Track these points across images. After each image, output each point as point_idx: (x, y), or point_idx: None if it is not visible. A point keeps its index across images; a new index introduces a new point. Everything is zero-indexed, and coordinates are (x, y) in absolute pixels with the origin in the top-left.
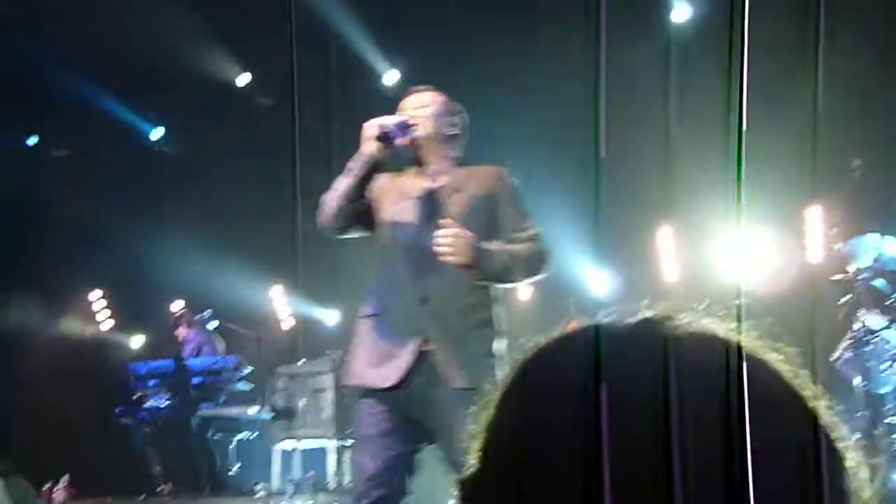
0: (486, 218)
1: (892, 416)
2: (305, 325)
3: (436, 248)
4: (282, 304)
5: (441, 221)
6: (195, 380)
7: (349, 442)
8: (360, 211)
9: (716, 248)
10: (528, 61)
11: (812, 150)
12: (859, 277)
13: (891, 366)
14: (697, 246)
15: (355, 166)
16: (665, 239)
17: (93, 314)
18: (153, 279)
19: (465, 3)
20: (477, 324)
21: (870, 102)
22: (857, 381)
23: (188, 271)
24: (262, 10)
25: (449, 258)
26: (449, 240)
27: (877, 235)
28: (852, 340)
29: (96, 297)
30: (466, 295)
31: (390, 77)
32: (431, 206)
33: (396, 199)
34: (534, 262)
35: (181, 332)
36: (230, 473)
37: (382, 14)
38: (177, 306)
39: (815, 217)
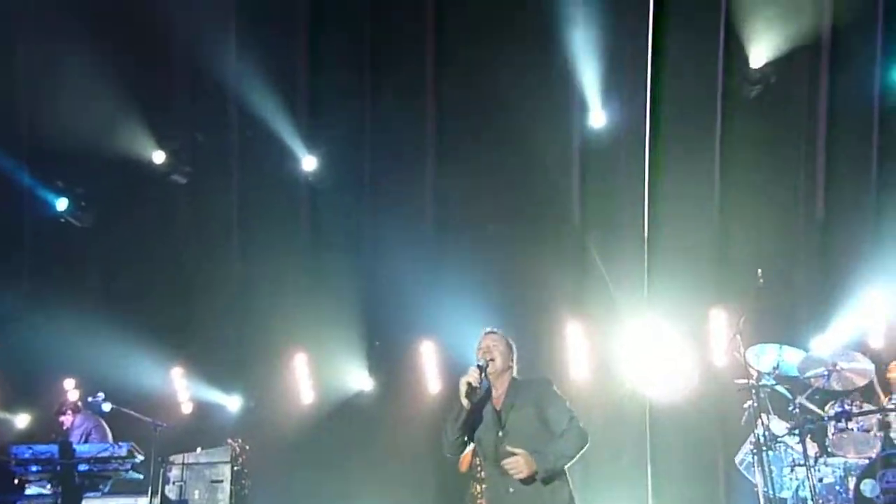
0: (538, 423)
1: None
2: (205, 412)
3: (506, 469)
4: (181, 388)
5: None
6: (81, 467)
7: None
8: (469, 438)
9: (625, 345)
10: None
11: (717, 257)
12: (761, 383)
13: (792, 471)
14: (607, 342)
15: (457, 414)
16: (576, 336)
17: None
18: (44, 357)
19: (382, 93)
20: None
21: (778, 217)
22: (759, 484)
23: (83, 349)
24: (180, 88)
25: (518, 476)
26: (512, 464)
27: (776, 344)
28: (754, 444)
29: None
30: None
31: (308, 162)
32: (499, 424)
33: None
34: (579, 443)
35: (69, 416)
36: None
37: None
38: (68, 386)
39: (719, 322)
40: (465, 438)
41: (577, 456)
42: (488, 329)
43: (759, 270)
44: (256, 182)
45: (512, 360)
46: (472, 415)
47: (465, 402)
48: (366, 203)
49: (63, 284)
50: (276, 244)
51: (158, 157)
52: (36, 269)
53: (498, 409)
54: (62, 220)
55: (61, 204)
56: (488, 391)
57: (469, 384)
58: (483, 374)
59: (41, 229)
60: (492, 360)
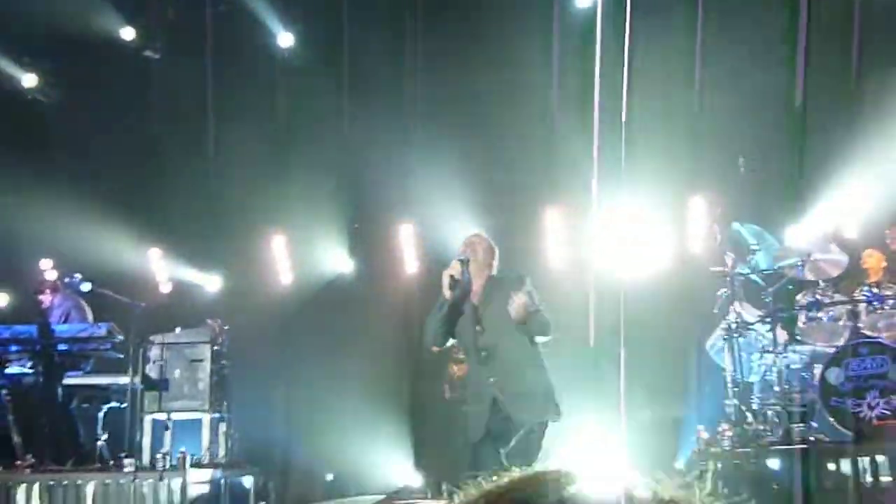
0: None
1: (759, 404)
2: (184, 292)
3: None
4: (160, 269)
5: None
6: (61, 346)
7: (223, 414)
8: (450, 332)
9: (601, 232)
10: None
11: (693, 142)
12: (736, 270)
13: (761, 357)
14: (581, 230)
15: (440, 306)
16: (554, 224)
17: None
18: (20, 236)
19: None
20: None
21: (758, 102)
22: (728, 368)
23: (58, 230)
24: None
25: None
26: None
27: (754, 230)
28: (726, 330)
29: None
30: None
31: (285, 39)
32: (476, 319)
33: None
34: (538, 330)
35: (48, 296)
36: (99, 443)
37: None
38: (45, 266)
39: (698, 209)
40: (447, 331)
41: (543, 337)
42: (471, 233)
43: (742, 159)
44: (231, 59)
45: (493, 258)
46: (454, 308)
47: (447, 294)
48: (344, 81)
49: (33, 163)
50: (253, 123)
51: (128, 33)
52: (4, 147)
53: (476, 304)
54: (30, 97)
55: (29, 80)
56: (469, 286)
57: (452, 277)
58: (465, 268)
59: (8, 107)
60: (474, 255)
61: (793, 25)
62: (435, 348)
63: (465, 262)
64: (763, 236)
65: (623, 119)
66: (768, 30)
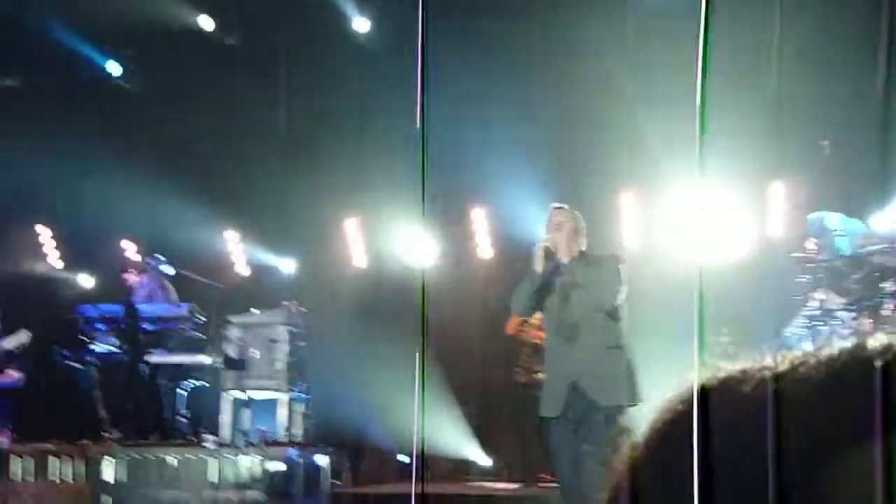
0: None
1: None
2: (261, 274)
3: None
4: (237, 251)
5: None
6: (146, 326)
7: (300, 394)
8: (539, 305)
9: (679, 217)
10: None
11: (776, 126)
12: (819, 257)
13: None
14: (660, 216)
15: (533, 280)
16: (629, 206)
17: (41, 251)
18: (104, 219)
19: None
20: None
21: (842, 84)
22: None
23: (141, 213)
24: None
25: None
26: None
27: (838, 216)
28: (808, 318)
29: (45, 234)
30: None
31: (360, 24)
32: (563, 295)
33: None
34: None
35: (133, 276)
36: (181, 420)
37: None
38: (127, 247)
39: (778, 193)
40: (537, 303)
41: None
42: (556, 204)
43: (825, 140)
44: (306, 44)
45: (581, 233)
46: (546, 281)
47: (539, 266)
48: (416, 66)
49: (116, 148)
50: (330, 107)
51: (206, 22)
52: (88, 132)
53: (564, 279)
54: (113, 83)
55: (112, 67)
56: (558, 262)
57: (546, 248)
58: (557, 242)
59: (93, 93)
60: (560, 229)
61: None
62: (521, 315)
63: (556, 236)
64: (847, 222)
65: (698, 101)
66: (852, 6)
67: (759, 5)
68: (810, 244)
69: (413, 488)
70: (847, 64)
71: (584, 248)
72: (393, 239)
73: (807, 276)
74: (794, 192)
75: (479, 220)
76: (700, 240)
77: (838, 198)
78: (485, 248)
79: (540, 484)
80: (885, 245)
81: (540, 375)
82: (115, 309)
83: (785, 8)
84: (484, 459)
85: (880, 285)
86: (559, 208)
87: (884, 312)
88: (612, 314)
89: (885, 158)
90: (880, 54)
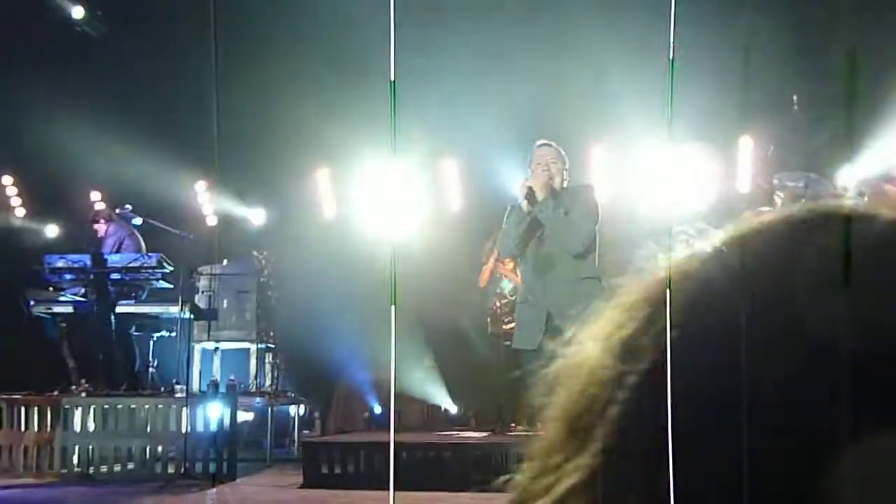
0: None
1: None
2: (231, 224)
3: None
4: (206, 201)
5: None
6: (114, 276)
7: (269, 345)
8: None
9: (646, 169)
10: None
11: (744, 81)
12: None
13: None
14: (628, 167)
15: (520, 220)
16: (598, 160)
17: (4, 200)
18: (70, 168)
19: None
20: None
21: (811, 40)
22: None
23: (107, 162)
24: None
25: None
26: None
27: (805, 173)
28: None
29: (8, 183)
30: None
31: None
32: (541, 227)
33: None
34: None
35: (101, 226)
36: (150, 370)
37: None
38: (95, 197)
39: (746, 149)
40: (526, 242)
41: (584, 238)
42: (541, 141)
43: (795, 97)
44: None
45: (563, 168)
46: (534, 219)
47: (524, 204)
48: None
49: (83, 96)
50: (301, 58)
51: None
52: (53, 79)
53: (542, 216)
54: (78, 29)
55: (77, 12)
56: (539, 200)
57: (529, 188)
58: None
59: (58, 39)
60: (545, 167)
61: None
62: (508, 256)
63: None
64: (812, 180)
65: (671, 56)
66: None
67: None
68: (777, 198)
69: (392, 438)
70: (819, 21)
71: (564, 185)
72: (363, 190)
73: None
74: (763, 147)
75: (451, 171)
76: (669, 192)
77: (807, 153)
78: (456, 200)
79: (509, 433)
80: (851, 200)
81: (510, 326)
82: (82, 259)
83: None
84: (454, 409)
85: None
86: (543, 145)
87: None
88: (588, 246)
89: (850, 115)
90: (851, 13)
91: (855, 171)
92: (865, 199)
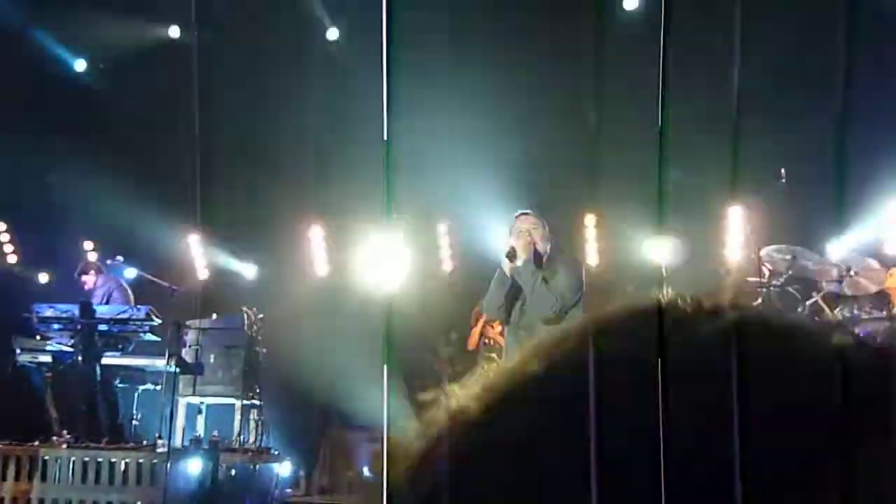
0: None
1: None
2: (221, 279)
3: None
4: (198, 255)
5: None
6: (102, 327)
7: (255, 402)
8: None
9: (637, 238)
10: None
11: (733, 153)
12: (773, 283)
13: None
14: (622, 235)
15: (503, 281)
16: (591, 227)
17: None
18: (64, 217)
19: None
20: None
21: (798, 117)
22: None
23: (100, 212)
24: None
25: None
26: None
27: (790, 246)
28: None
29: (1, 229)
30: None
31: (332, 33)
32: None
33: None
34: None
35: (91, 276)
36: (133, 423)
37: None
38: (87, 247)
39: (735, 220)
40: (511, 305)
41: (555, 305)
42: (521, 211)
43: (783, 170)
44: (278, 51)
45: (545, 241)
46: (513, 283)
47: (506, 264)
48: (381, 80)
49: (78, 146)
50: (296, 113)
51: (174, 31)
52: (51, 130)
53: (524, 284)
54: (79, 81)
55: (79, 65)
56: (521, 267)
57: (512, 248)
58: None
59: (58, 90)
60: (531, 241)
61: (835, 37)
62: (492, 318)
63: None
64: (798, 253)
65: (660, 125)
66: (811, 38)
67: (720, 33)
68: (764, 269)
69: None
70: (807, 96)
71: (548, 254)
72: (356, 249)
73: (759, 300)
74: (751, 219)
75: (444, 233)
76: (662, 259)
77: (795, 226)
78: (448, 262)
79: None
80: (837, 273)
81: None
82: (71, 309)
83: (747, 38)
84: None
85: (832, 312)
86: (523, 214)
87: None
88: (566, 318)
89: (839, 190)
90: (840, 88)
91: (843, 245)
92: (852, 272)
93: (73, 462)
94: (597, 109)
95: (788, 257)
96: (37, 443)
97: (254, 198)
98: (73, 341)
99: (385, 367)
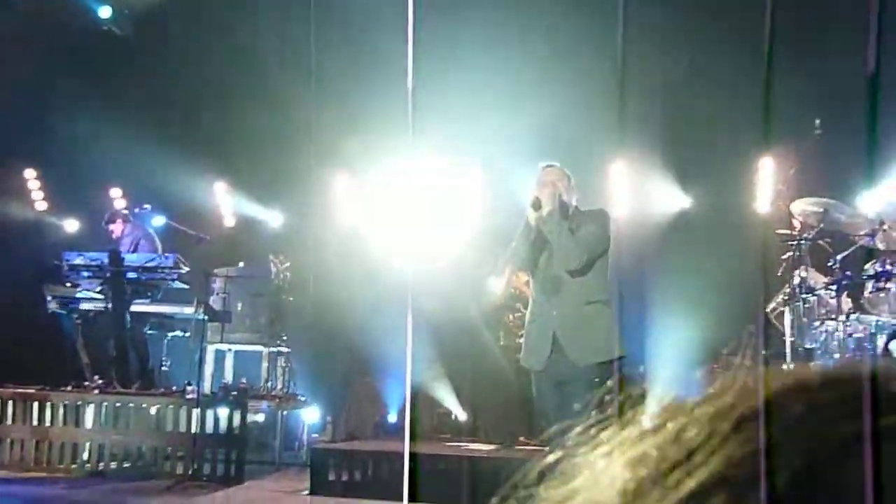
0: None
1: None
2: (248, 227)
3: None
4: (225, 203)
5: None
6: (130, 275)
7: (282, 349)
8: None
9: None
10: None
11: (765, 101)
12: (804, 235)
13: (822, 323)
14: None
15: (528, 232)
16: (619, 174)
17: (27, 194)
18: (92, 165)
19: None
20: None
21: (832, 67)
22: (787, 333)
23: (128, 160)
24: None
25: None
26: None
27: (823, 199)
28: (789, 295)
29: (31, 177)
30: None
31: None
32: (550, 248)
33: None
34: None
35: (119, 225)
36: (163, 370)
37: None
38: (115, 195)
39: (767, 170)
40: (536, 256)
41: (581, 256)
42: (546, 163)
43: (818, 120)
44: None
45: (567, 188)
46: (540, 233)
47: (531, 214)
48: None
49: (105, 94)
50: (325, 64)
51: None
52: (77, 76)
53: (550, 235)
54: (105, 28)
55: (104, 12)
56: (546, 217)
57: (537, 198)
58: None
59: (84, 38)
60: (550, 185)
61: None
62: (520, 269)
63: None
64: (830, 206)
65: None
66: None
67: None
68: (796, 222)
69: (406, 449)
70: (837, 49)
71: (574, 205)
72: (382, 195)
73: (790, 253)
74: (784, 169)
75: (471, 180)
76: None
77: (828, 177)
78: (475, 209)
79: (518, 447)
80: (870, 227)
81: (522, 340)
82: (100, 257)
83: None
84: (466, 420)
85: (863, 266)
86: (548, 167)
87: (865, 294)
88: (591, 269)
89: (871, 143)
90: (870, 40)
91: (875, 198)
92: (885, 226)
93: (105, 407)
94: (623, 59)
95: (820, 210)
96: (69, 388)
97: (278, 146)
98: (101, 289)
99: (409, 316)
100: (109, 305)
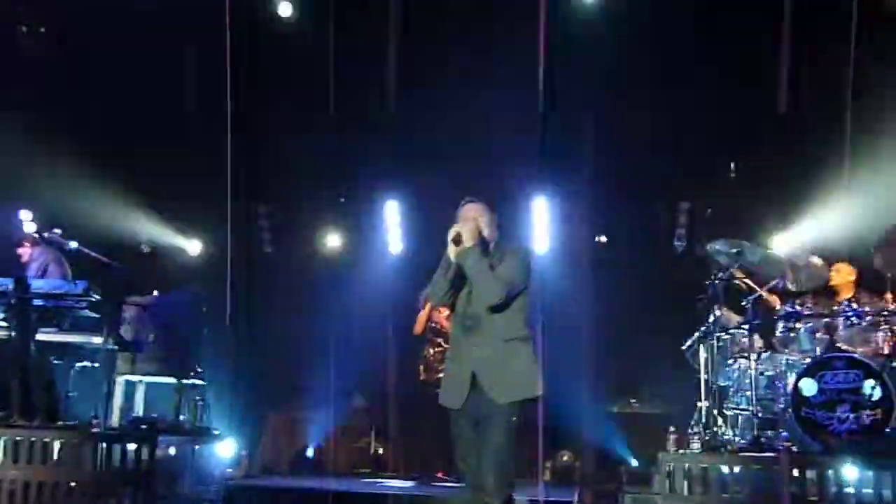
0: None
1: (730, 408)
2: (164, 255)
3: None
4: (141, 231)
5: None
6: (37, 302)
7: (193, 381)
8: (455, 293)
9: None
10: None
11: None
12: (720, 275)
13: (735, 361)
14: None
15: (446, 266)
16: (541, 213)
17: None
18: (1, 185)
19: None
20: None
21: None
22: (701, 371)
23: (39, 182)
24: None
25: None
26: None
27: (737, 241)
28: (703, 333)
29: None
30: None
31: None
32: (470, 284)
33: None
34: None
35: (25, 250)
36: (68, 402)
37: None
38: (25, 217)
39: (685, 212)
40: (454, 291)
41: (501, 292)
42: (467, 199)
43: (732, 164)
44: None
45: (485, 224)
46: (459, 268)
47: (452, 251)
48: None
49: (16, 112)
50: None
51: None
52: None
53: (468, 271)
54: (20, 45)
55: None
56: (466, 252)
57: (458, 233)
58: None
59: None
60: (467, 221)
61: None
62: (438, 304)
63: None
64: (745, 247)
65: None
66: (758, 34)
67: (674, 29)
68: (714, 263)
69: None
70: (755, 92)
71: (494, 241)
72: (302, 226)
73: (707, 293)
74: (701, 211)
75: (392, 214)
76: (606, 249)
77: (742, 219)
78: (396, 243)
79: (434, 483)
80: (781, 268)
81: (441, 376)
82: (5, 282)
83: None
84: (383, 455)
85: (775, 307)
86: (468, 202)
87: (776, 333)
88: (511, 306)
89: (786, 186)
90: (782, 85)
91: (788, 240)
92: (795, 267)
93: (4, 441)
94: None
95: (734, 251)
96: None
97: (199, 173)
98: (5, 316)
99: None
100: (13, 333)
